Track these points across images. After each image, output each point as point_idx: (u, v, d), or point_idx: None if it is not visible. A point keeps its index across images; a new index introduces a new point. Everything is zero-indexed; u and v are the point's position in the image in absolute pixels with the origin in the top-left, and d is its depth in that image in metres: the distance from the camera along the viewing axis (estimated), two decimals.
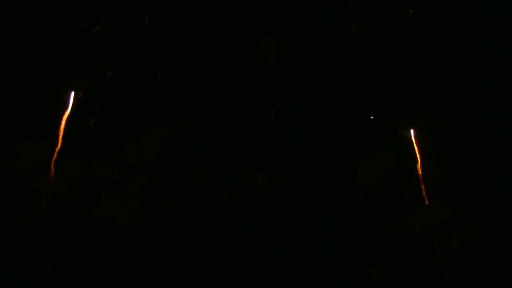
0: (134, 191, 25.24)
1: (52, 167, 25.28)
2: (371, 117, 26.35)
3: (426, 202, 26.07)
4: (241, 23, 26.91)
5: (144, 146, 25.80)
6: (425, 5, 27.09)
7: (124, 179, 25.40)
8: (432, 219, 25.65)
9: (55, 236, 24.41)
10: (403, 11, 27.19)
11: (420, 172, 26.38)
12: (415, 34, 27.10)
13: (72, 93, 26.14)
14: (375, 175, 26.12)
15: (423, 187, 26.27)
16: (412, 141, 26.77)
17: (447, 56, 26.91)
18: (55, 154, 25.43)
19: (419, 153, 26.59)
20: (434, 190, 26.16)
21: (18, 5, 26.59)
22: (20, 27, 26.51)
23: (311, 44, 27.03)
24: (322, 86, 26.85)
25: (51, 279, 23.93)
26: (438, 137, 26.80)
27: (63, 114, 25.97)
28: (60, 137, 25.74)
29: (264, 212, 25.34)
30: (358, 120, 26.88)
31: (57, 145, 25.64)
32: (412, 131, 26.86)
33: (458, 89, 26.81)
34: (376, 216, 25.77)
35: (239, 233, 24.94)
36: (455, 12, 26.93)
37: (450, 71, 26.99)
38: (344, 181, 26.13)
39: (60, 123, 25.87)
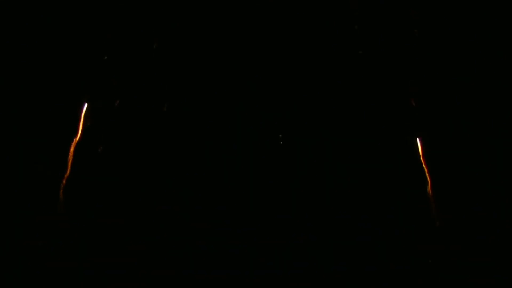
0: (135, 192, 25.51)
1: (61, 193, 25.81)
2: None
3: (434, 211, 25.81)
4: (245, 32, 27.53)
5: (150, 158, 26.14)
6: (429, 10, 27.45)
7: (127, 184, 25.71)
8: (440, 228, 25.32)
9: (56, 236, 24.70)
10: (408, 17, 27.60)
11: (428, 180, 26.21)
12: (421, 41, 27.36)
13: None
14: (380, 181, 25.99)
15: (431, 198, 26.06)
16: (418, 149, 26.69)
17: (454, 61, 27.04)
18: (64, 180, 26.00)
19: (424, 161, 26.47)
20: (443, 198, 25.89)
21: (28, 22, 27.65)
22: (33, 48, 27.51)
23: (315, 49, 27.46)
24: (325, 90, 27.09)
25: (52, 279, 24.10)
26: (446, 145, 26.68)
27: (72, 139, 26.62)
28: (70, 162, 26.35)
29: (265, 213, 25.26)
30: (363, 128, 26.93)
31: (66, 170, 26.24)
32: (418, 139, 26.80)
33: (465, 94, 26.80)
34: (382, 222, 25.53)
35: (239, 233, 24.88)
36: (460, 15, 27.22)
37: (458, 75, 27.05)
38: (348, 188, 26.03)
39: (69, 148, 26.51)
